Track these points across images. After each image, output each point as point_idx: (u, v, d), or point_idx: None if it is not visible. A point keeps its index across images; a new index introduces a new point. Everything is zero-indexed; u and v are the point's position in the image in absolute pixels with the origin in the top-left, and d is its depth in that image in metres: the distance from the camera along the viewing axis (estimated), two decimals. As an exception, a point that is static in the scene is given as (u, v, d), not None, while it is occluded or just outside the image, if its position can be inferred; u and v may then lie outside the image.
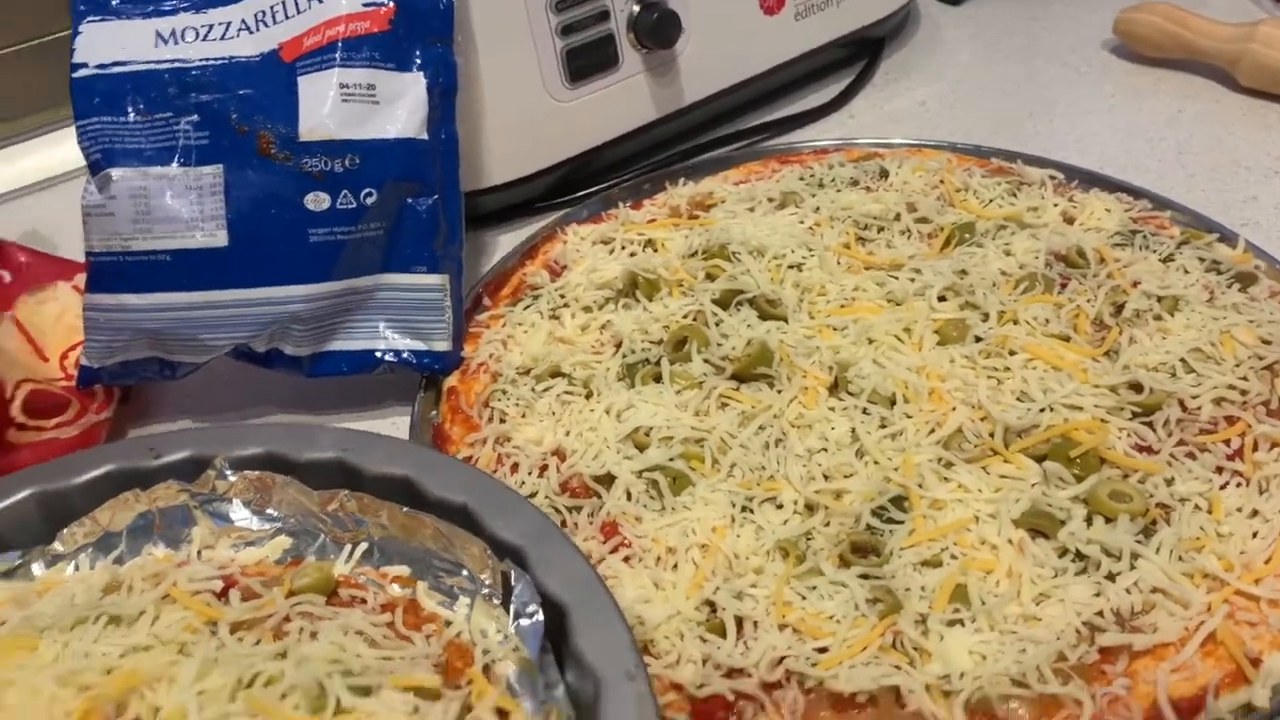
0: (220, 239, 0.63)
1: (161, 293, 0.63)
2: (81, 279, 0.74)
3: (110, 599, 0.52)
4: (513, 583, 0.49)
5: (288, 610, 0.50)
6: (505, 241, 0.84)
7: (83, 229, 0.64)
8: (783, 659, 0.49)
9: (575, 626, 0.47)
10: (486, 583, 0.51)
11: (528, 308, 0.72)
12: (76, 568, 0.56)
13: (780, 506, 0.57)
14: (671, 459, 0.59)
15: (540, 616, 0.48)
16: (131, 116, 0.64)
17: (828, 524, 0.55)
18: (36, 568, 0.56)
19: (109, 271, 0.64)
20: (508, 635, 0.49)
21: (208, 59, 0.65)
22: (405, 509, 0.54)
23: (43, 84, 0.97)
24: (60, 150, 0.97)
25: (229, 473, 0.56)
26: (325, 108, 0.64)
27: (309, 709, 0.45)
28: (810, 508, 0.56)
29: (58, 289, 0.74)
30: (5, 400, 0.65)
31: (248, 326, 0.64)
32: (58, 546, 0.56)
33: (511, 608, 0.49)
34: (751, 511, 0.56)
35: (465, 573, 0.52)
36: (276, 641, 0.48)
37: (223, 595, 0.52)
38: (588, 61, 0.82)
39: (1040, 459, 0.57)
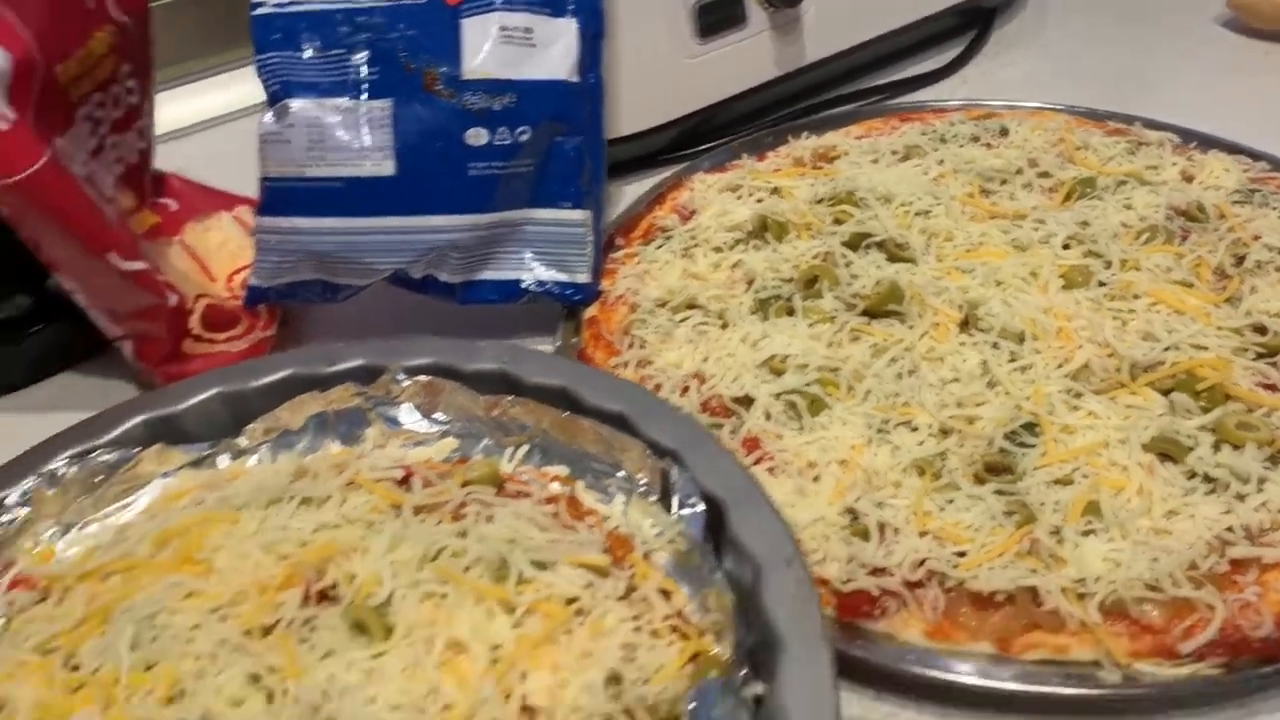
0: (388, 168, 0.67)
1: (331, 217, 0.68)
2: (241, 210, 0.79)
3: (299, 484, 0.56)
4: (673, 478, 0.53)
5: (463, 497, 0.54)
6: (630, 192, 0.87)
7: (259, 155, 0.68)
8: (924, 561, 0.52)
9: (733, 519, 0.51)
10: (643, 482, 0.55)
11: (660, 247, 0.76)
12: (259, 460, 0.60)
13: (915, 429, 0.60)
14: (808, 384, 0.62)
15: (701, 507, 0.51)
16: (307, 53, 0.68)
17: (962, 445, 0.58)
18: (222, 460, 0.61)
19: (282, 196, 0.68)
20: (664, 529, 0.53)
21: (376, 1, 0.69)
22: (566, 413, 0.58)
23: (192, 33, 1.03)
24: (205, 99, 1.03)
25: (402, 377, 0.61)
26: (486, 49, 0.69)
27: (492, 580, 0.49)
28: (944, 431, 0.59)
29: (220, 219, 0.79)
30: (186, 311, 0.70)
31: (409, 252, 0.69)
32: (241, 441, 0.61)
33: (675, 498, 0.52)
34: (888, 433, 0.60)
35: (622, 473, 0.56)
36: (456, 523, 0.53)
37: (403, 483, 0.56)
38: (717, 18, 0.85)
39: (1166, 393, 0.60)
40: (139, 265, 0.67)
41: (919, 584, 0.52)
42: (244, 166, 0.69)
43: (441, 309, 0.73)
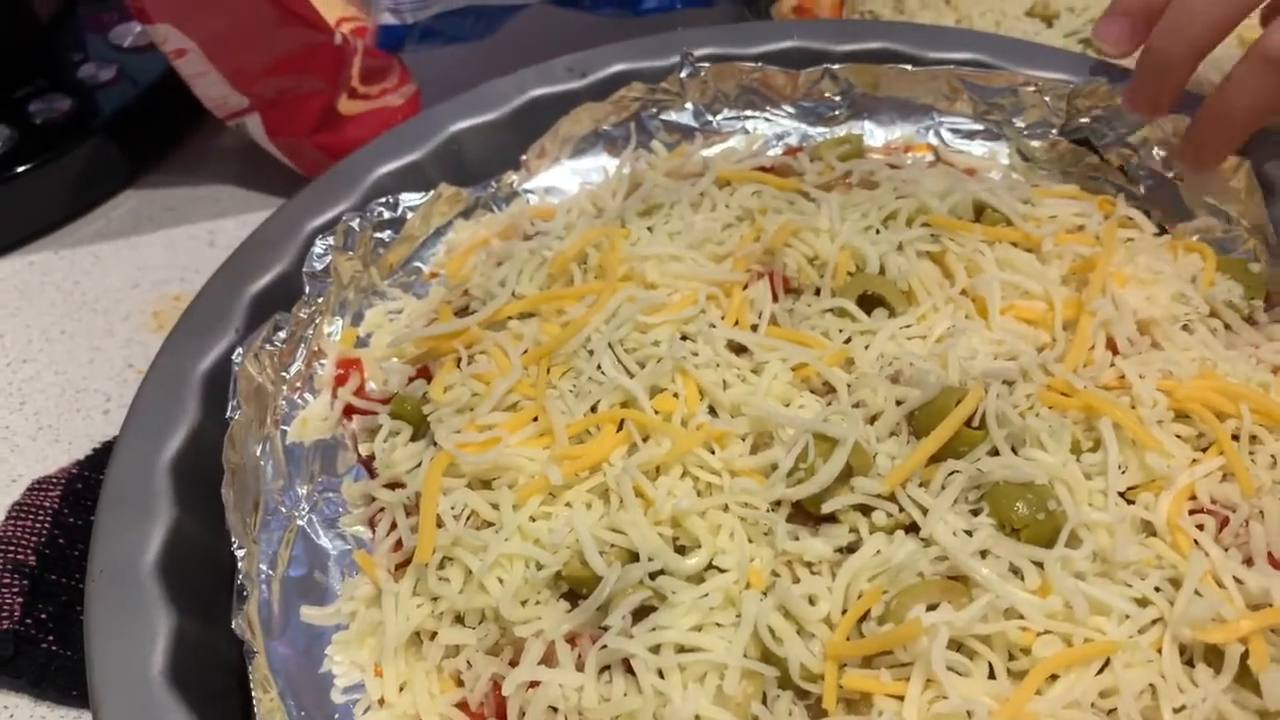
0: None
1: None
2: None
3: (657, 189, 0.46)
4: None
5: (846, 170, 0.47)
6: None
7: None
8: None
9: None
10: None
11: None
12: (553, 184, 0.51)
13: None
14: None
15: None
16: None
17: None
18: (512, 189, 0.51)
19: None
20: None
21: None
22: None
23: None
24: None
25: (686, 70, 0.52)
26: None
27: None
28: None
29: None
30: (350, 52, 0.55)
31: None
32: (527, 170, 0.51)
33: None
34: None
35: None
36: (870, 189, 0.45)
37: (769, 170, 0.48)
38: None
39: None
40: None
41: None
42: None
43: (593, 37, 0.62)
